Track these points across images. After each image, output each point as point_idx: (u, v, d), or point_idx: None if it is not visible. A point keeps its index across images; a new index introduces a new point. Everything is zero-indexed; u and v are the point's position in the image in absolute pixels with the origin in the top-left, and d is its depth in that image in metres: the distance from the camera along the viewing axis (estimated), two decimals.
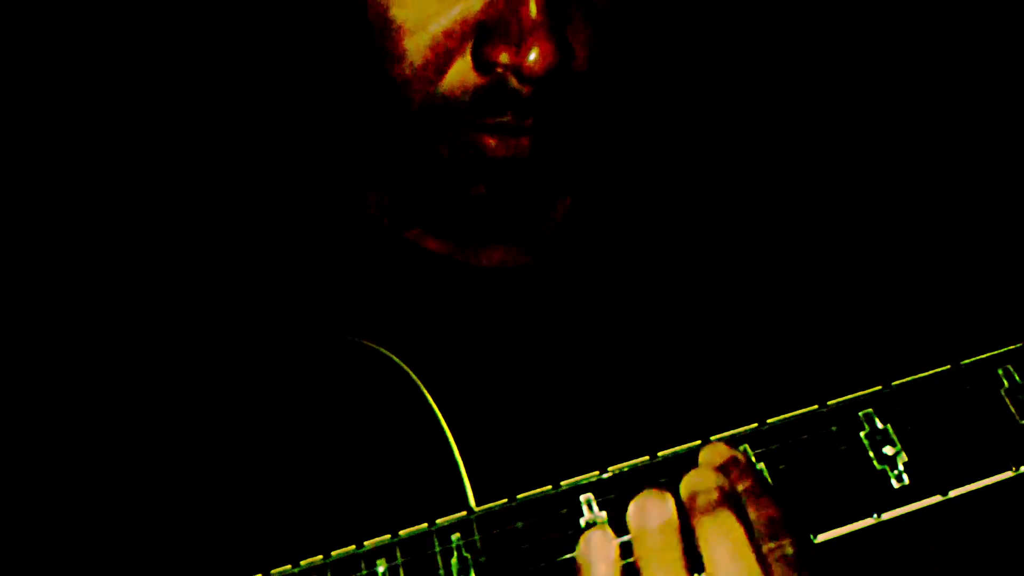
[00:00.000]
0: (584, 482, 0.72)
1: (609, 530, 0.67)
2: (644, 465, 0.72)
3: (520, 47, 0.74)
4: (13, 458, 0.81)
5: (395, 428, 0.78)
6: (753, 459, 0.71)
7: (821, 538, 0.70)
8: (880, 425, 0.72)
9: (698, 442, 0.72)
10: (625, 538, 0.67)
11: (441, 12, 0.76)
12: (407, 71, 0.78)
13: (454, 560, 0.70)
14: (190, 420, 0.81)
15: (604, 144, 1.01)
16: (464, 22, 0.76)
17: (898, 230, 1.03)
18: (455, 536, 0.71)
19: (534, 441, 0.84)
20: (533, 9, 0.74)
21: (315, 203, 0.95)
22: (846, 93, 1.33)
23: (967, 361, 0.74)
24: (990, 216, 1.20)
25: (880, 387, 0.73)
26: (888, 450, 0.71)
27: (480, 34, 0.76)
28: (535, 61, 0.74)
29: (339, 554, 0.71)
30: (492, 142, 0.79)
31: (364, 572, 0.70)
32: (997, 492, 0.71)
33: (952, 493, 0.70)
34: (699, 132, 1.06)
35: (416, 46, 0.77)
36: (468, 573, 0.70)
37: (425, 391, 0.79)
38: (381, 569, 0.70)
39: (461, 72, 0.77)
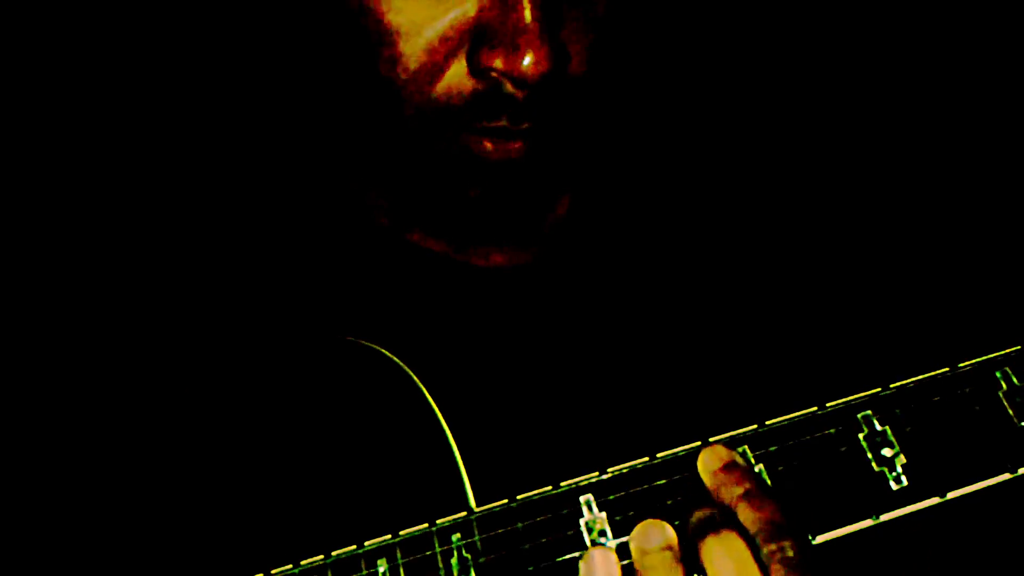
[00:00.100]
0: (584, 483, 0.72)
1: (612, 551, 0.68)
2: (644, 466, 0.72)
3: (514, 52, 0.74)
4: (13, 458, 0.81)
5: (395, 428, 0.79)
6: (752, 460, 0.72)
7: (820, 539, 0.70)
8: (879, 427, 0.72)
9: (698, 443, 0.72)
10: (626, 561, 0.68)
11: (436, 17, 0.76)
12: (403, 76, 0.78)
13: (454, 560, 0.70)
14: (191, 420, 0.81)
15: (603, 144, 1.01)
16: (459, 27, 0.76)
17: (897, 232, 1.03)
18: (455, 536, 0.71)
19: (534, 442, 0.84)
20: (527, 15, 0.74)
21: (315, 204, 0.95)
22: (845, 95, 1.33)
23: (965, 364, 0.74)
24: (989, 218, 1.20)
25: (879, 389, 0.74)
26: (887, 452, 0.71)
27: (475, 39, 0.76)
28: (529, 66, 0.74)
29: (340, 554, 0.71)
30: (489, 145, 0.80)
31: (365, 572, 0.71)
32: (995, 494, 0.71)
33: (950, 495, 0.71)
34: (698, 135, 1.06)
35: (411, 51, 0.77)
36: (468, 573, 0.70)
37: (425, 391, 0.79)
38: (382, 569, 0.71)
39: (456, 76, 0.78)
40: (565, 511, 0.71)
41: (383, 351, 0.81)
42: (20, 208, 0.98)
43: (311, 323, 0.88)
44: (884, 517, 0.70)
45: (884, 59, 1.37)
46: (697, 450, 0.72)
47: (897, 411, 0.72)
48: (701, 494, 0.70)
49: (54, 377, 0.85)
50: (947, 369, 0.74)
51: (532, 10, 0.73)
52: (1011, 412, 0.72)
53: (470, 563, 0.70)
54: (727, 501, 0.68)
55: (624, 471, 0.72)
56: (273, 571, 0.71)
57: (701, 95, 1.20)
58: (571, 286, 0.93)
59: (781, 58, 1.34)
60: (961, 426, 0.72)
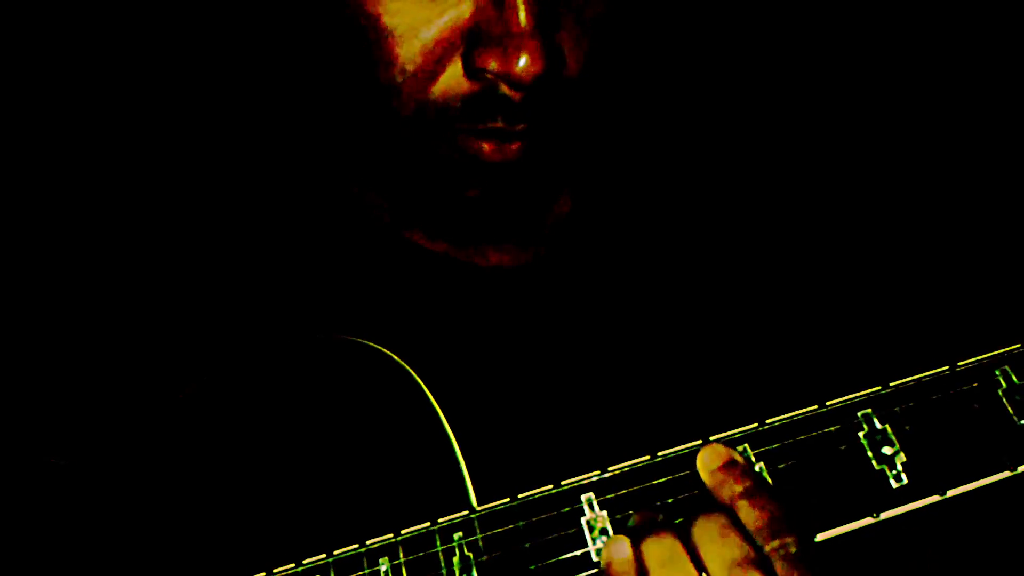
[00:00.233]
0: (585, 481, 0.72)
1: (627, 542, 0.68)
2: (645, 464, 0.73)
3: (509, 54, 0.74)
4: (13, 458, 0.81)
5: (397, 428, 0.79)
6: (753, 459, 0.72)
7: (820, 537, 0.70)
8: (879, 425, 0.72)
9: (698, 442, 0.72)
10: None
11: (432, 19, 0.76)
12: (399, 77, 0.78)
13: (456, 559, 0.71)
14: (192, 420, 0.81)
15: (602, 144, 1.01)
16: (455, 29, 0.76)
17: (896, 231, 1.04)
18: (457, 535, 0.71)
19: (535, 440, 0.84)
20: (522, 17, 0.74)
21: (315, 204, 0.95)
22: (845, 95, 1.33)
23: (965, 362, 0.74)
24: (988, 217, 1.20)
25: (879, 388, 0.74)
26: (887, 450, 0.72)
27: (470, 41, 0.76)
28: (523, 68, 0.74)
29: (342, 553, 0.72)
30: (486, 147, 0.80)
31: (367, 571, 0.71)
32: (995, 492, 0.72)
33: (950, 493, 0.71)
34: (698, 134, 1.06)
35: (408, 53, 0.77)
36: (470, 572, 0.70)
37: (427, 390, 0.79)
38: (384, 568, 0.71)
39: (453, 78, 0.78)
40: (566, 509, 0.71)
41: (384, 350, 0.81)
42: (10, 198, 0.99)
43: (312, 322, 0.88)
44: (884, 515, 0.71)
45: (884, 59, 1.37)
46: (698, 448, 0.72)
47: (897, 409, 0.73)
48: (702, 492, 0.70)
49: (54, 377, 0.86)
50: (947, 368, 0.74)
51: (527, 12, 0.74)
52: (1011, 410, 0.72)
53: (472, 562, 0.70)
54: (727, 499, 0.69)
55: (625, 470, 0.72)
56: (275, 570, 0.72)
57: (701, 95, 1.20)
58: (572, 285, 0.93)
59: (780, 57, 1.34)
60: (961, 424, 0.72)
